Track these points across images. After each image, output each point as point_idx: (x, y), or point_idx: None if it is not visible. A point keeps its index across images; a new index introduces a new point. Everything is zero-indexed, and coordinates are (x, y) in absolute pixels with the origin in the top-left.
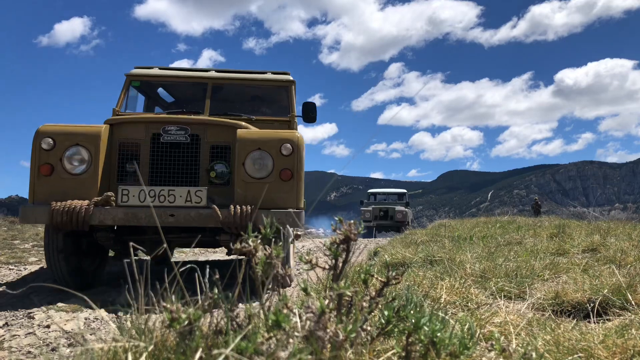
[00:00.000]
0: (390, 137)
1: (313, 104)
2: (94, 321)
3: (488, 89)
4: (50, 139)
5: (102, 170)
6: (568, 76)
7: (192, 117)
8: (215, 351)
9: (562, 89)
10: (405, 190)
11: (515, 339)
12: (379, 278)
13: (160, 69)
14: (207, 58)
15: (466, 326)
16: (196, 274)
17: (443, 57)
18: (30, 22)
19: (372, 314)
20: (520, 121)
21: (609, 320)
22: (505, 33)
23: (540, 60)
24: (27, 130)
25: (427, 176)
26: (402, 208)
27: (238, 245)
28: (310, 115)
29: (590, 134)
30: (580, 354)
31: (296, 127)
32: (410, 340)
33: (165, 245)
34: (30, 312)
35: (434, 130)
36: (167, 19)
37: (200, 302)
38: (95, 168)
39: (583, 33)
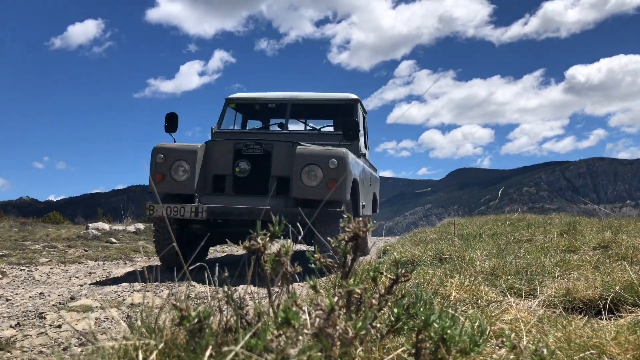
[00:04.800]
0: (400, 135)
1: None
2: (104, 321)
3: (499, 87)
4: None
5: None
6: (580, 73)
7: None
8: (225, 348)
9: (574, 85)
10: (354, 97)
11: (526, 336)
12: (388, 276)
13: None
14: (219, 59)
15: (476, 323)
16: (205, 273)
17: (454, 54)
18: (43, 23)
19: (382, 311)
20: (531, 118)
21: (621, 317)
22: (516, 30)
23: (551, 57)
24: (38, 132)
25: (437, 174)
26: (336, 153)
27: (247, 243)
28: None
29: (602, 131)
30: (592, 351)
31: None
32: (420, 337)
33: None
34: (42, 313)
35: (445, 128)
36: (179, 22)
37: (209, 299)
38: None
39: (596, 29)
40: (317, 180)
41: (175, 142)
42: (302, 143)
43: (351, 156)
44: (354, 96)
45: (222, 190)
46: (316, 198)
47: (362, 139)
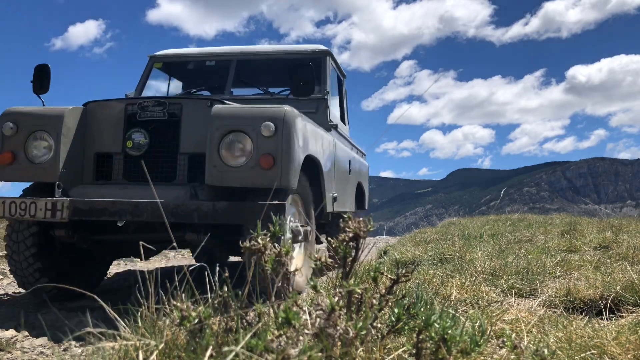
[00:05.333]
0: (401, 136)
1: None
2: (104, 321)
3: (500, 87)
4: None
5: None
6: (581, 73)
7: None
8: (226, 349)
9: (574, 85)
10: (323, 48)
11: (527, 336)
12: (389, 276)
13: None
14: None
15: (477, 323)
16: (206, 273)
17: (455, 55)
18: (44, 24)
19: (382, 311)
20: (531, 118)
21: (622, 317)
22: (517, 30)
23: (552, 57)
24: None
25: (438, 174)
26: (274, 114)
27: (247, 244)
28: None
29: (603, 131)
30: (593, 351)
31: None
32: (420, 337)
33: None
34: (42, 313)
35: (445, 129)
36: (179, 23)
37: (210, 300)
38: None
39: (597, 29)
40: (245, 157)
41: (44, 106)
42: (225, 101)
43: (302, 121)
44: (321, 47)
45: (108, 176)
46: (243, 185)
47: (333, 106)
